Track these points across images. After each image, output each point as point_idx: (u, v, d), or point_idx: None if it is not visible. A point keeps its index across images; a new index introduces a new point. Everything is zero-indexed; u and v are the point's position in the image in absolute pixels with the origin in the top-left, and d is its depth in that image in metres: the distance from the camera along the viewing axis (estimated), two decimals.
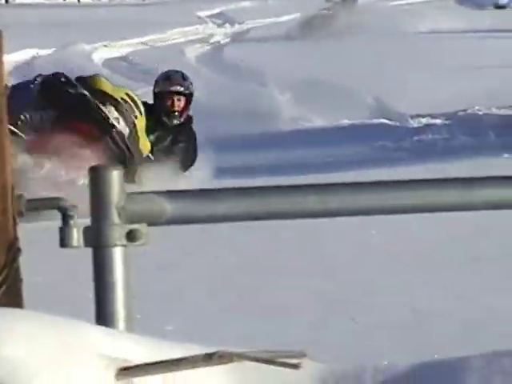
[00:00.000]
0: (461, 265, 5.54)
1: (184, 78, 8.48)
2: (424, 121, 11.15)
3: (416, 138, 10.36)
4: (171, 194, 1.81)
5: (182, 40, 23.54)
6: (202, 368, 1.70)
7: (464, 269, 5.46)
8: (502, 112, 11.32)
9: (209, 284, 5.32)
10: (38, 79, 7.95)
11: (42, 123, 7.89)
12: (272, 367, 1.73)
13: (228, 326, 4.53)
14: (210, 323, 4.58)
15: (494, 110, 11.39)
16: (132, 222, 1.75)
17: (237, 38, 24.76)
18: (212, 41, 24.23)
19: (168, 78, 8.44)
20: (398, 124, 11.10)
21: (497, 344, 2.26)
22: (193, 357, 1.66)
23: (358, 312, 4.82)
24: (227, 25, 29.10)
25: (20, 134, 7.73)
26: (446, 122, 10.96)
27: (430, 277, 5.31)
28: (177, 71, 8.79)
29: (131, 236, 1.75)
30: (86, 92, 7.78)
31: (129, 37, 22.49)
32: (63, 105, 7.72)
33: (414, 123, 11.09)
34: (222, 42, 24.13)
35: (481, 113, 11.36)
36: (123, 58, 19.62)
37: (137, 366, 1.67)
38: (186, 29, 25.95)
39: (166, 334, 2.49)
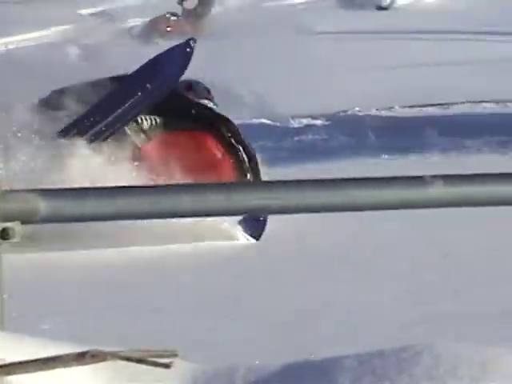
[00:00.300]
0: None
1: (208, 91, 8.03)
2: (304, 121, 11.28)
3: (296, 138, 10.53)
4: (45, 192, 1.81)
5: (62, 38, 23.30)
6: (75, 367, 1.70)
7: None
8: (383, 113, 11.51)
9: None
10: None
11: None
12: (144, 366, 1.71)
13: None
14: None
15: (374, 112, 11.57)
16: (6, 221, 1.74)
17: (118, 36, 24.62)
18: (92, 39, 24.07)
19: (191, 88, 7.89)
20: (278, 124, 11.20)
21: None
22: (67, 355, 1.66)
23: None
24: (109, 22, 28.90)
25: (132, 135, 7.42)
26: (326, 123, 11.10)
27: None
28: (198, 82, 8.13)
29: (4, 234, 1.74)
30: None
31: (7, 34, 22.03)
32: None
33: (295, 123, 11.22)
34: (102, 39, 24.08)
35: (361, 114, 11.54)
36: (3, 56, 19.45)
37: (11, 364, 1.68)
38: (67, 27, 25.61)
39: (41, 333, 2.48)
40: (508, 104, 11.85)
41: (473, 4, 20.17)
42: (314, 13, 21.13)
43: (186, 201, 1.92)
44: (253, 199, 2.05)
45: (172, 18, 18.93)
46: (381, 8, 21.82)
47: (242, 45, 16.50)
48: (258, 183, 2.09)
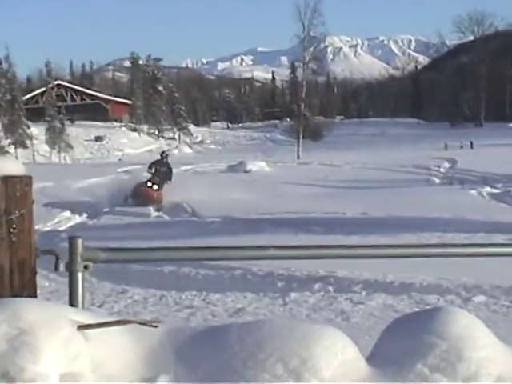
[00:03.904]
0: None
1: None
2: (211, 219, 18.88)
3: (207, 227, 17.24)
4: (103, 248, 3.88)
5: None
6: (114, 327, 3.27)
7: None
8: (245, 217, 18.57)
9: None
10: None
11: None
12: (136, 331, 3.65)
13: None
14: None
15: (241, 215, 18.91)
16: (86, 261, 3.79)
17: None
18: None
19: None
20: (199, 220, 19.68)
21: None
22: (116, 321, 3.65)
23: None
24: None
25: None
26: (219, 220, 18.43)
27: None
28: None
29: (85, 267, 3.79)
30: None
31: None
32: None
33: (207, 220, 18.90)
34: None
35: (236, 216, 18.64)
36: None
37: (89, 325, 3.28)
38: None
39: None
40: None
41: (284, 171, 41.08)
42: (216, 172, 41.80)
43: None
44: None
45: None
46: (246, 171, 40.89)
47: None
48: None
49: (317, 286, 9.65)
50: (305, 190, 26.65)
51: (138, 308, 9.03)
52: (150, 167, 25.99)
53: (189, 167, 46.08)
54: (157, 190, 24.95)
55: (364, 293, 9.28)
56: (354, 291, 9.36)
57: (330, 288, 9.56)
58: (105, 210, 22.92)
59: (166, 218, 21.26)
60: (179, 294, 9.70)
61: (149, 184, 24.99)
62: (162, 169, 25.89)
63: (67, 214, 22.50)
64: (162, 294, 9.77)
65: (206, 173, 42.20)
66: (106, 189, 26.19)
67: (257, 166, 44.25)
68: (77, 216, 21.70)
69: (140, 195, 24.41)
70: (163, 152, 27.67)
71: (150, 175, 25.60)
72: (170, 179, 25.90)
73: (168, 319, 8.03)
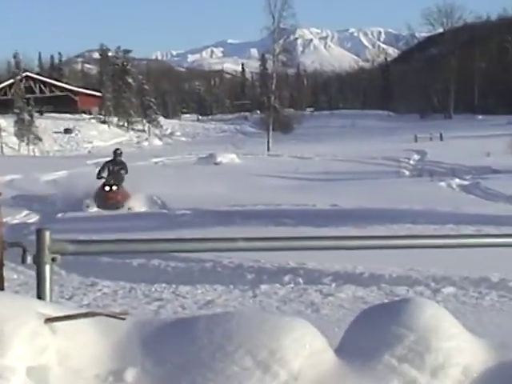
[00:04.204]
0: None
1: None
2: (182, 211, 18.37)
3: (176, 219, 16.93)
4: (71, 240, 3.86)
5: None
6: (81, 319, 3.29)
7: None
8: (214, 209, 18.71)
9: None
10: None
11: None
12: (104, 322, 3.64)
13: None
14: None
15: (210, 208, 18.80)
16: (53, 253, 3.76)
17: None
18: None
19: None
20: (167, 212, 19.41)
21: None
22: (83, 313, 3.65)
23: None
24: None
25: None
26: (190, 212, 18.21)
27: None
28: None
29: (53, 260, 3.76)
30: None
31: None
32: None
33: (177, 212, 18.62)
34: None
35: (204, 209, 18.54)
36: None
37: (56, 318, 3.44)
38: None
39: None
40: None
41: (254, 163, 41.39)
42: (186, 164, 41.96)
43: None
44: None
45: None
46: (216, 164, 41.41)
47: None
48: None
49: (287, 277, 9.67)
50: (275, 182, 26.76)
51: (108, 301, 9.00)
52: (98, 173, 23.63)
53: (159, 159, 46.01)
54: (118, 190, 22.98)
55: (334, 284, 9.31)
56: (324, 283, 9.39)
57: (300, 280, 9.58)
58: (59, 215, 20.01)
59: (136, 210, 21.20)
60: (149, 287, 9.68)
61: (106, 188, 22.90)
62: (114, 168, 23.63)
63: (36, 206, 22.38)
64: (132, 286, 9.74)
65: (176, 165, 42.15)
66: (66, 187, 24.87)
67: (227, 158, 44.34)
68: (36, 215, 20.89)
69: (105, 201, 22.32)
70: (117, 150, 25.08)
71: (103, 179, 23.27)
72: (126, 172, 23.53)
73: (137, 312, 8.01)
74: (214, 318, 3.25)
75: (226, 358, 3.01)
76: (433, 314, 3.29)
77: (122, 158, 24.22)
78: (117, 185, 22.98)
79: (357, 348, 3.23)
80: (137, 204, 22.29)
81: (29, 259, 3.74)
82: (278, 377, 3.02)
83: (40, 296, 3.74)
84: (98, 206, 22.10)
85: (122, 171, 23.53)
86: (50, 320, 3.11)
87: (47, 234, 3.76)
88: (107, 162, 24.05)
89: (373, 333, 3.26)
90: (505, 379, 3.25)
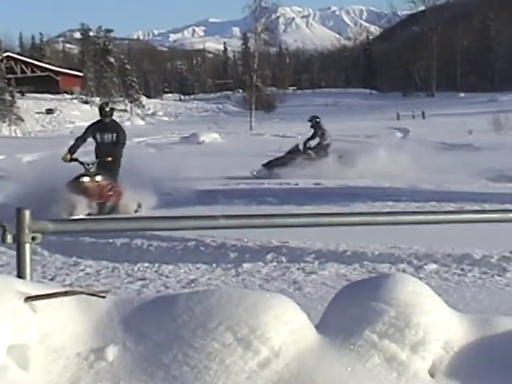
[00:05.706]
0: None
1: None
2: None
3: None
4: (52, 220, 3.84)
5: None
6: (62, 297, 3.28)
7: None
8: (209, 188, 18.22)
9: None
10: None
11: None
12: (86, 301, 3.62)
13: None
14: None
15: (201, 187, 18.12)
16: (33, 232, 3.74)
17: None
18: None
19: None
20: None
21: None
22: (64, 292, 3.63)
23: None
24: None
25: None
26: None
27: None
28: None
29: (33, 239, 3.74)
30: None
31: None
32: None
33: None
34: None
35: (194, 188, 17.29)
36: None
37: (36, 296, 3.40)
38: None
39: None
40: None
41: (237, 142, 42.38)
42: (169, 144, 42.56)
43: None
44: None
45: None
46: (198, 143, 42.33)
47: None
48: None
49: (269, 256, 9.67)
50: (258, 160, 26.70)
51: (91, 281, 8.98)
52: (72, 146, 14.70)
53: (141, 139, 45.81)
54: (106, 183, 14.30)
55: (316, 262, 9.31)
56: (307, 261, 9.39)
57: (283, 258, 9.58)
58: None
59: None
60: (131, 266, 9.65)
61: (85, 179, 13.99)
62: (104, 136, 14.86)
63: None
64: (115, 266, 9.71)
65: (158, 145, 42.03)
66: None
67: (210, 137, 44.31)
68: None
69: (85, 202, 13.60)
70: (104, 105, 16.06)
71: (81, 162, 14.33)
72: (123, 143, 15.09)
73: (120, 291, 7.99)
74: (195, 295, 3.25)
75: (207, 335, 3.02)
76: (413, 290, 3.31)
77: (115, 118, 16.08)
78: (108, 170, 14.43)
79: (338, 324, 3.24)
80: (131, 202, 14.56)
81: (9, 238, 3.71)
82: (259, 353, 3.03)
83: (20, 275, 3.72)
84: (71, 214, 13.02)
85: (118, 142, 14.93)
86: (30, 298, 3.11)
87: (27, 213, 3.74)
88: (92, 126, 15.35)
89: (353, 309, 3.27)
90: (485, 354, 3.27)
